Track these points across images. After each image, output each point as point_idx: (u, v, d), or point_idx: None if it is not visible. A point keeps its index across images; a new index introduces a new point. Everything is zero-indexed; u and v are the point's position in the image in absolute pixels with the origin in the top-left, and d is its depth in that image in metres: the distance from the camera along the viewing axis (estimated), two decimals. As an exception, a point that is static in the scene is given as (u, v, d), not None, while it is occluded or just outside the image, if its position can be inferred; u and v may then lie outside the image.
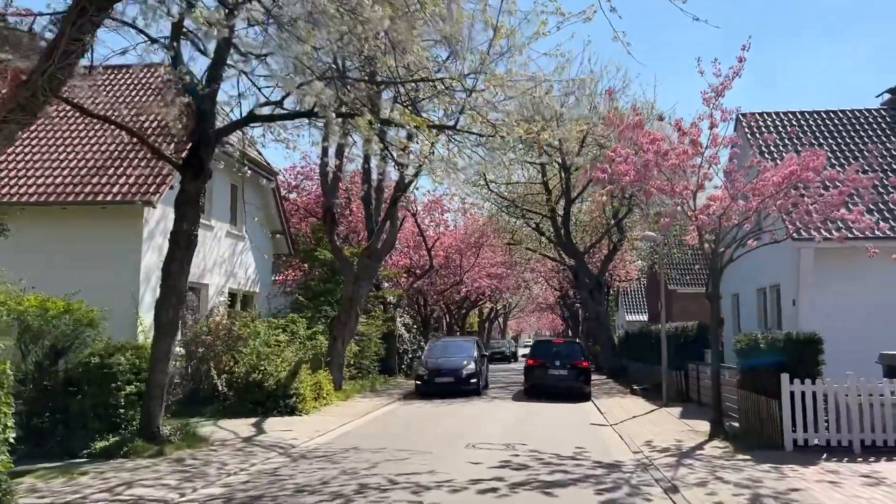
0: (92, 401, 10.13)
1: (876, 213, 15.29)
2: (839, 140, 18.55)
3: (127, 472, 8.76)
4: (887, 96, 20.19)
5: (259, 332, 16.28)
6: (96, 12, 6.50)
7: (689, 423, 13.62)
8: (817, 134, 18.68)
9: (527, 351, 31.05)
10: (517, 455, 10.40)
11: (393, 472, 9.02)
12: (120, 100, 17.13)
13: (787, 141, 18.17)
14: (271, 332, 16.77)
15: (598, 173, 12.69)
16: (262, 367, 14.96)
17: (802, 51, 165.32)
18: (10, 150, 15.95)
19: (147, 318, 12.99)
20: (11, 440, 7.05)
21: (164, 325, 10.65)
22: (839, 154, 17.76)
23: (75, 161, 15.67)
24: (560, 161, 25.57)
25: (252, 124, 11.51)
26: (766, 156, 16.00)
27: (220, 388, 14.68)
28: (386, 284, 28.04)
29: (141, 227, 14.67)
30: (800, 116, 19.77)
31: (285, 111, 11.10)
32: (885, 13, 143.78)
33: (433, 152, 11.93)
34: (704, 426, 12.55)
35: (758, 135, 18.39)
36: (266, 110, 11.30)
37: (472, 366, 20.45)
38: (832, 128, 19.14)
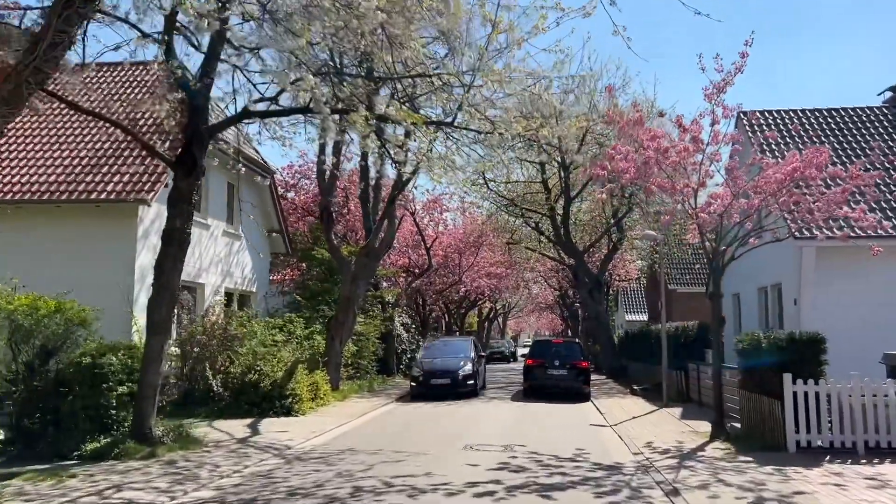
0: (83, 401, 9.96)
1: (878, 212, 15.13)
2: (840, 138, 18.40)
3: (117, 475, 8.59)
4: (889, 94, 20.04)
5: (255, 331, 16.13)
6: (82, 4, 6.35)
7: (690, 423, 13.46)
8: (819, 132, 18.52)
9: (526, 351, 30.93)
10: (515, 457, 10.24)
11: (389, 474, 8.86)
12: (114, 97, 16.95)
13: (788, 139, 18.02)
14: (268, 331, 16.61)
15: (598, 170, 12.53)
16: (259, 368, 14.80)
17: (802, 51, 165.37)
18: (3, 148, 15.82)
19: (142, 317, 12.81)
20: (0, 442, 6.90)
21: (157, 325, 10.48)
22: (841, 152, 17.61)
23: (69, 159, 15.51)
24: (559, 160, 25.41)
25: (246, 121, 11.33)
26: (768, 153, 15.83)
27: (215, 388, 14.52)
28: (384, 284, 27.90)
29: (135, 225, 14.52)
30: (801, 114, 19.64)
31: (280, 108, 10.94)
32: (885, 13, 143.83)
33: (431, 150, 11.78)
34: (705, 427, 12.39)
35: (759, 133, 18.23)
36: (261, 107, 11.15)
37: (468, 367, 19.95)
38: (833, 126, 19.00)
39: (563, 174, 27.34)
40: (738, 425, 12.08)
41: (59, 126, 16.56)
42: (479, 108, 10.69)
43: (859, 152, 17.36)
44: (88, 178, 14.86)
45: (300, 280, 24.79)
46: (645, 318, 42.82)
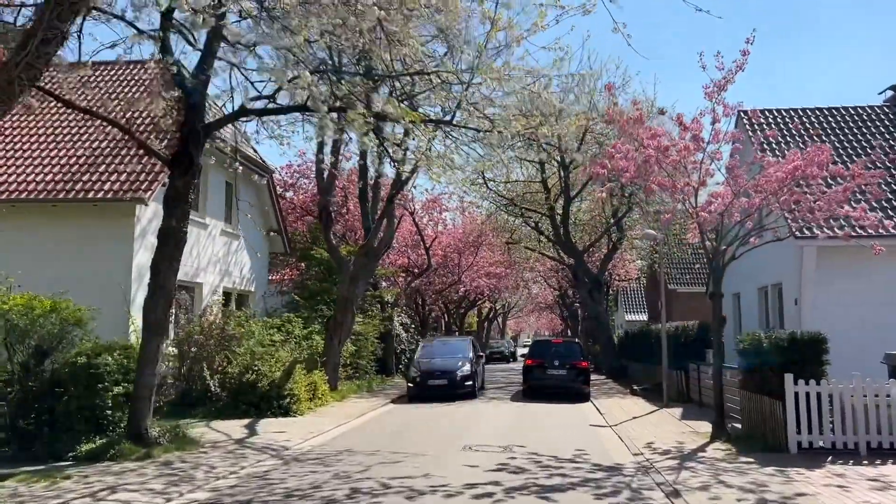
0: (78, 402, 9.87)
1: (880, 211, 15.04)
2: (841, 137, 18.31)
3: (112, 476, 8.50)
4: (890, 93, 19.95)
5: (253, 331, 16.04)
6: (74, -1, 6.25)
7: (691, 424, 13.38)
8: (820, 131, 18.43)
9: (526, 351, 30.86)
10: (515, 458, 10.15)
11: (387, 476, 8.77)
12: (111, 96, 16.87)
13: (788, 138, 17.94)
14: (266, 331, 16.53)
15: (598, 169, 12.44)
16: (256, 368, 14.71)
17: (802, 52, 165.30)
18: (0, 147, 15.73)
19: (139, 317, 12.67)
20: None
21: (153, 325, 10.39)
22: (841, 151, 17.52)
23: (66, 158, 15.43)
24: (559, 159, 25.33)
25: (243, 119, 11.26)
26: (768, 152, 15.75)
27: (212, 388, 14.44)
28: (383, 284, 27.81)
29: (133, 225, 14.43)
30: (801, 113, 19.55)
31: (278, 105, 10.85)
32: (886, 13, 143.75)
33: (430, 148, 11.70)
34: (706, 427, 12.31)
35: (759, 132, 18.15)
36: (258, 105, 11.06)
37: (467, 367, 19.48)
38: (834, 125, 18.91)
39: (562, 173, 27.26)
40: (739, 426, 12.00)
41: (55, 125, 16.47)
42: (478, 106, 10.62)
43: (860, 151, 17.27)
44: (86, 178, 14.77)
45: (299, 280, 24.71)
46: (645, 317, 42.75)
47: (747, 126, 18.41)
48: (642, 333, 24.74)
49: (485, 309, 54.98)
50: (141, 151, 13.68)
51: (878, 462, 9.46)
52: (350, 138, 15.22)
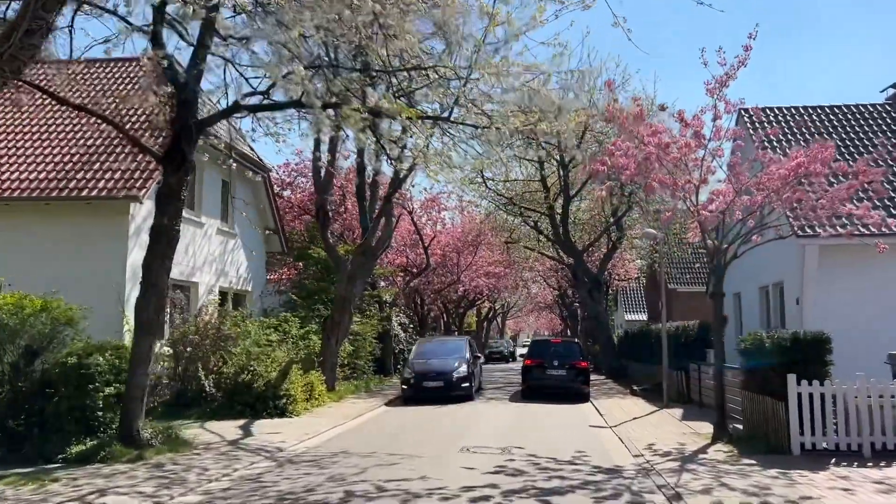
0: (69, 403, 9.70)
1: (882, 210, 14.88)
2: (843, 135, 18.16)
3: (102, 479, 8.33)
4: (892, 91, 19.79)
5: (249, 331, 15.88)
6: (60, -11, 6.08)
7: (691, 425, 13.21)
8: (821, 129, 18.29)
9: (525, 351, 30.69)
10: (513, 460, 9.99)
11: (382, 478, 8.60)
12: (105, 93, 16.71)
13: (790, 136, 17.79)
14: (262, 331, 16.36)
15: (598, 166, 12.26)
16: (252, 368, 14.54)
17: (802, 51, 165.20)
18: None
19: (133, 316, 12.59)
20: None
21: (145, 324, 10.22)
22: (843, 149, 17.36)
23: (59, 155, 15.25)
24: (558, 158, 25.17)
25: (237, 115, 11.10)
26: (770, 150, 15.59)
27: (207, 389, 14.25)
28: (382, 283, 27.66)
29: (127, 223, 14.25)
30: (803, 111, 19.40)
31: (272, 102, 10.69)
32: (886, 13, 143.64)
33: (428, 146, 11.54)
34: (707, 428, 12.14)
35: (760, 129, 17.99)
36: (253, 101, 10.90)
37: (463, 368, 18.75)
38: (836, 123, 18.77)
39: (561, 172, 27.09)
40: (741, 427, 11.83)
41: (48, 122, 16.29)
42: (476, 102, 10.46)
43: (862, 149, 17.13)
44: (79, 176, 14.59)
45: (296, 279, 24.54)
46: (644, 317, 42.59)
47: (748, 124, 18.25)
48: (642, 333, 24.58)
49: (484, 309, 54.83)
50: (135, 149, 13.50)
51: (882, 464, 9.29)
52: (347, 136, 15.06)
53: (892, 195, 15.68)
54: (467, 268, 34.70)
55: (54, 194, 14.29)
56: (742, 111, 18.07)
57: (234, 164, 13.34)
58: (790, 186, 11.27)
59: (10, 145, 15.62)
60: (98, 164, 14.82)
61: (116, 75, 17.78)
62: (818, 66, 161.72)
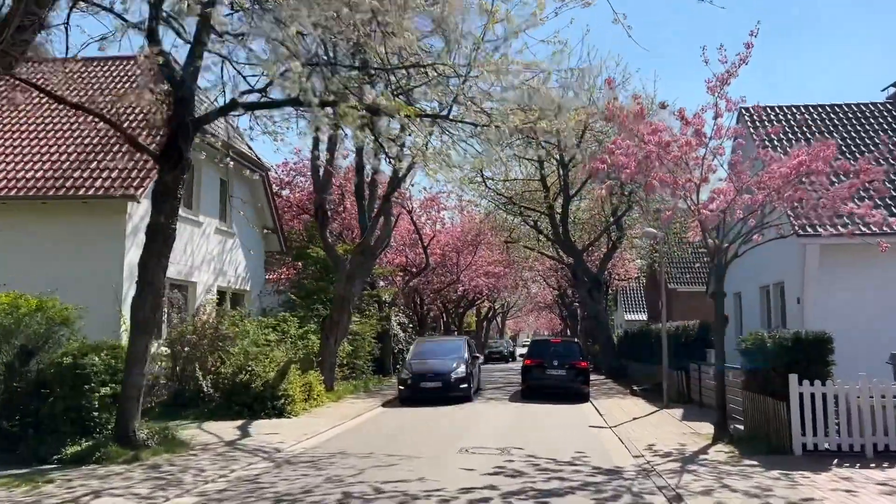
0: (64, 403, 9.60)
1: (884, 209, 14.79)
2: (844, 134, 18.07)
3: (96, 480, 8.25)
4: (892, 90, 19.73)
5: (248, 331, 15.79)
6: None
7: (692, 425, 13.13)
8: (822, 128, 18.21)
9: (524, 350, 30.61)
10: (512, 460, 9.91)
11: (380, 480, 8.52)
12: (102, 92, 16.62)
13: (791, 135, 17.71)
14: (261, 331, 16.28)
15: (598, 164, 12.18)
16: (250, 368, 14.45)
17: (803, 50, 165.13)
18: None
19: (131, 316, 12.51)
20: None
21: (141, 324, 10.13)
22: (844, 148, 17.26)
23: (56, 154, 15.18)
24: (558, 157, 25.09)
25: (235, 113, 11.00)
26: (771, 149, 15.51)
27: (205, 389, 14.17)
28: (381, 283, 27.57)
29: (124, 222, 14.18)
30: (804, 110, 19.32)
31: (269, 100, 10.60)
32: (886, 13, 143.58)
33: (427, 144, 11.45)
34: (707, 429, 12.06)
35: (761, 128, 17.91)
36: (251, 99, 10.81)
37: (462, 369, 18.38)
38: (837, 122, 18.68)
39: (561, 171, 27.01)
40: (742, 427, 11.76)
41: (45, 120, 16.21)
42: (476, 100, 10.37)
43: (863, 148, 17.04)
44: (76, 175, 14.51)
45: (295, 279, 24.47)
46: (644, 317, 42.51)
47: (749, 122, 18.17)
48: (642, 333, 24.49)
49: (483, 308, 54.76)
50: (132, 148, 13.41)
51: (885, 465, 9.20)
52: (346, 134, 14.98)
53: (894, 194, 15.59)
54: (467, 267, 34.62)
55: (51, 193, 14.22)
56: (743, 110, 18.00)
57: (232, 163, 13.27)
58: (791, 185, 11.18)
59: (6, 144, 15.54)
60: (95, 162, 14.74)
61: (113, 73, 17.71)
62: (818, 65, 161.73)
